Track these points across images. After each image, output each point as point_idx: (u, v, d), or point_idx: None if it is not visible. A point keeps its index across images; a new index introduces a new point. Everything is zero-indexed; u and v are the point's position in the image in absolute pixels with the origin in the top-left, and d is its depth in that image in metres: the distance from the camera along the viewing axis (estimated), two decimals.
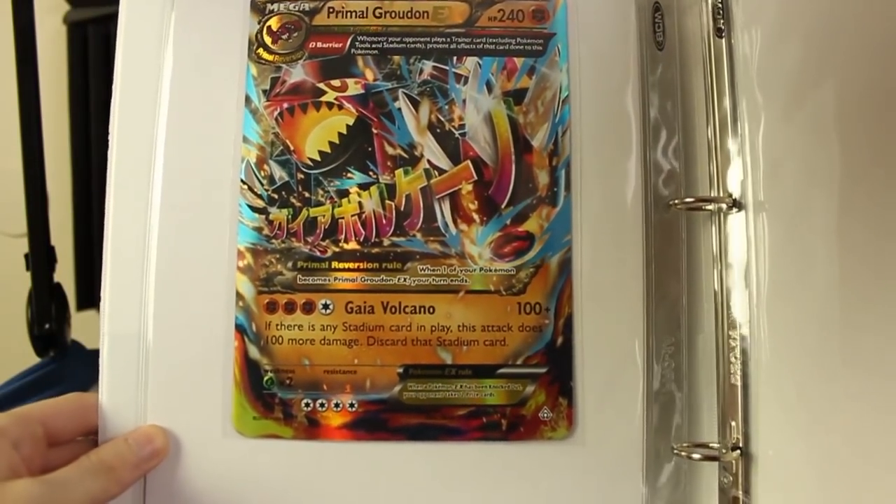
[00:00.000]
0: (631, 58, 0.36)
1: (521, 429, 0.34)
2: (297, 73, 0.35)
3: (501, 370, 0.34)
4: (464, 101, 0.35)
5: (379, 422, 0.34)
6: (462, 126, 0.35)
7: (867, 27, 0.29)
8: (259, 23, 0.36)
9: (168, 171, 0.35)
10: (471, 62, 0.36)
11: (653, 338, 0.35)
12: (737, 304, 0.33)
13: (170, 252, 0.34)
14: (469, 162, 0.35)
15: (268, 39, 0.36)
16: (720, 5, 0.35)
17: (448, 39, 0.36)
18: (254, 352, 0.34)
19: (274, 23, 0.36)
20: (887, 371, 0.27)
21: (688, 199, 0.35)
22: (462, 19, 0.36)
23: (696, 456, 0.33)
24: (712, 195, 0.35)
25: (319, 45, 0.36)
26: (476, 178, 0.35)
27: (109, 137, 0.36)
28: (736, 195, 0.34)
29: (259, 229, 0.34)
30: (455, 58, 0.36)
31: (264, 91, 0.35)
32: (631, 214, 0.35)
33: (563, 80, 0.36)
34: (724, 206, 0.34)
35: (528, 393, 0.34)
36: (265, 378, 0.34)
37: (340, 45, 0.36)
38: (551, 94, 0.36)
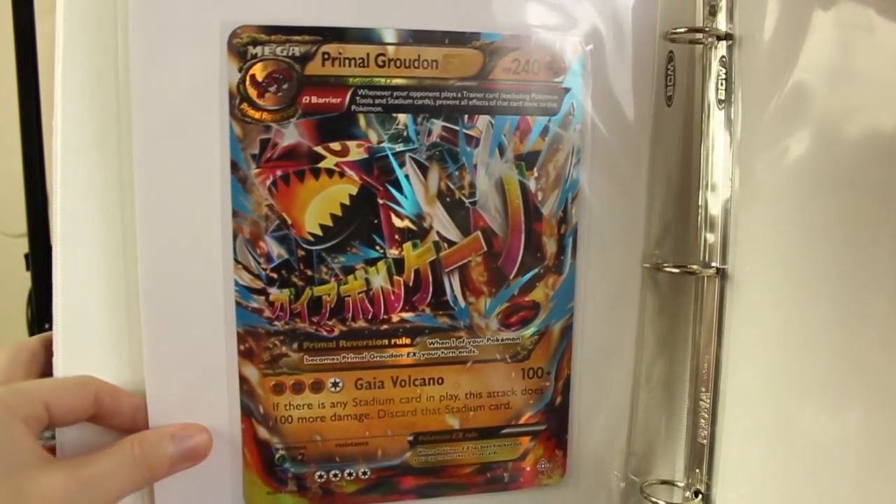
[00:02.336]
0: (646, 115, 0.32)
1: (521, 479, 0.34)
2: (291, 135, 0.29)
3: (505, 430, 0.33)
4: (474, 165, 0.31)
5: (390, 485, 0.33)
6: (472, 194, 0.31)
7: (872, 126, 0.27)
8: (240, 70, 0.28)
9: (147, 254, 0.29)
10: (483, 121, 0.31)
11: (639, 393, 0.35)
12: (711, 366, 0.34)
13: (161, 342, 0.29)
14: (479, 233, 0.31)
15: (252, 92, 0.29)
16: (724, 77, 0.31)
17: (459, 94, 0.30)
18: (263, 432, 0.31)
19: (258, 71, 0.28)
20: (835, 438, 0.28)
21: (674, 270, 0.33)
22: (474, 70, 0.30)
23: (662, 502, 0.35)
24: (698, 263, 0.33)
25: (314, 99, 0.29)
26: (485, 249, 0.31)
27: (57, 218, 0.28)
28: (720, 265, 0.33)
29: (259, 311, 0.30)
30: (466, 116, 0.30)
31: (253, 156, 0.29)
32: (630, 278, 0.33)
33: (577, 141, 0.32)
34: (707, 274, 0.33)
35: (529, 448, 0.34)
36: (277, 456, 0.31)
37: (339, 100, 0.29)
38: (564, 157, 0.32)
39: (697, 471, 0.35)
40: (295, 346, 0.31)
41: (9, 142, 0.46)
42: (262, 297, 0.30)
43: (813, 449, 0.30)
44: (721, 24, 0.32)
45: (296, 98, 0.29)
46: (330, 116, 0.30)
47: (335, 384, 0.32)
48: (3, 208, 0.52)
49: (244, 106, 0.29)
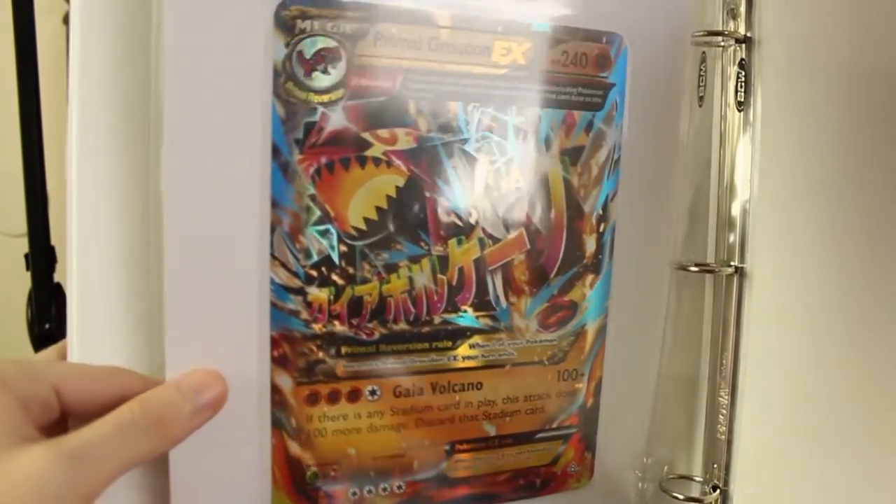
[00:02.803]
0: (681, 113, 0.32)
1: (552, 484, 0.33)
2: (338, 119, 0.26)
3: (539, 435, 0.32)
4: (522, 159, 0.29)
5: (425, 498, 0.30)
6: (519, 189, 0.29)
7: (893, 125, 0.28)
8: (287, 46, 0.25)
9: (174, 248, 0.25)
10: (531, 113, 0.29)
11: (659, 390, 0.34)
12: (730, 363, 0.34)
13: (185, 345, 0.25)
14: (523, 230, 0.30)
15: (299, 70, 0.26)
16: (743, 79, 0.32)
17: (509, 84, 0.29)
18: (294, 448, 0.28)
19: (306, 48, 0.26)
20: (853, 435, 0.29)
21: (693, 268, 0.33)
22: (525, 60, 0.29)
23: (681, 497, 0.34)
24: (715, 261, 0.33)
25: (364, 82, 0.26)
26: (529, 247, 0.30)
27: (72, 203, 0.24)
28: (738, 264, 0.33)
29: (296, 313, 0.27)
30: (515, 108, 0.29)
31: (297, 140, 0.26)
32: (660, 278, 0.33)
33: (618, 138, 0.31)
34: (726, 273, 0.33)
35: (560, 452, 0.32)
36: (308, 473, 0.28)
37: (389, 84, 0.27)
38: (605, 154, 0.31)
39: (715, 466, 0.35)
40: (332, 351, 0.28)
41: (9, 142, 0.45)
42: (300, 298, 0.27)
43: (831, 446, 0.30)
44: (740, 26, 0.32)
45: (345, 79, 0.27)
46: (379, 101, 0.27)
47: (373, 392, 0.29)
48: (3, 208, 0.52)
49: (289, 85, 0.26)
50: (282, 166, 0.26)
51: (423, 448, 0.30)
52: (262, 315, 0.27)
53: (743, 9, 0.32)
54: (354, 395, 0.29)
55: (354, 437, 0.29)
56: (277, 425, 0.28)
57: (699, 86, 0.33)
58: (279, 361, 0.27)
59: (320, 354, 0.28)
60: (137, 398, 0.24)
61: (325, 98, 0.27)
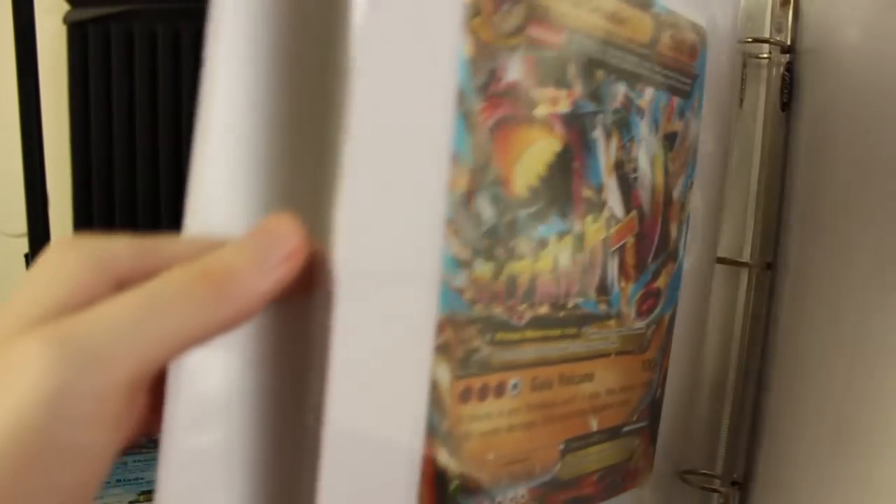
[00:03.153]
0: (732, 112, 0.34)
1: (627, 482, 0.32)
2: (514, 69, 0.23)
3: (625, 428, 0.31)
4: (640, 139, 0.29)
5: None
6: (636, 169, 0.29)
7: None
8: None
9: (353, 205, 0.20)
10: (649, 94, 0.29)
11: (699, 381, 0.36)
12: (757, 358, 0.36)
13: (351, 327, 0.20)
14: (635, 212, 0.29)
15: (487, 6, 0.22)
16: (788, 84, 0.35)
17: (638, 62, 0.28)
18: (443, 457, 0.23)
19: None
20: (881, 434, 0.33)
21: (730, 262, 0.35)
22: (647, 38, 0.28)
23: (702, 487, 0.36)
24: (748, 258, 0.36)
25: (540, 33, 0.24)
26: (638, 229, 0.29)
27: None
28: (769, 260, 0.36)
29: (461, 291, 0.23)
30: (639, 85, 0.28)
31: (480, 87, 0.22)
32: (709, 268, 0.34)
33: (697, 128, 0.32)
34: (758, 267, 0.35)
35: (635, 446, 0.32)
36: (451, 486, 0.24)
37: (558, 39, 0.25)
38: (689, 143, 0.31)
39: (737, 461, 0.36)
40: (488, 337, 0.24)
41: (9, 142, 0.46)
42: (467, 273, 0.23)
43: (857, 447, 0.33)
44: (786, 35, 0.35)
45: (525, 24, 0.24)
46: (549, 57, 0.25)
47: (515, 386, 0.26)
48: (3, 208, 0.54)
49: (476, 22, 0.22)
50: (465, 114, 0.22)
51: (545, 449, 0.27)
52: (430, 291, 0.22)
53: (790, 21, 0.34)
54: (500, 390, 0.25)
55: (495, 439, 0.25)
56: (431, 430, 0.23)
57: (742, 87, 0.35)
58: (442, 350, 0.23)
59: (477, 342, 0.24)
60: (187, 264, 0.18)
61: (507, 42, 0.23)
